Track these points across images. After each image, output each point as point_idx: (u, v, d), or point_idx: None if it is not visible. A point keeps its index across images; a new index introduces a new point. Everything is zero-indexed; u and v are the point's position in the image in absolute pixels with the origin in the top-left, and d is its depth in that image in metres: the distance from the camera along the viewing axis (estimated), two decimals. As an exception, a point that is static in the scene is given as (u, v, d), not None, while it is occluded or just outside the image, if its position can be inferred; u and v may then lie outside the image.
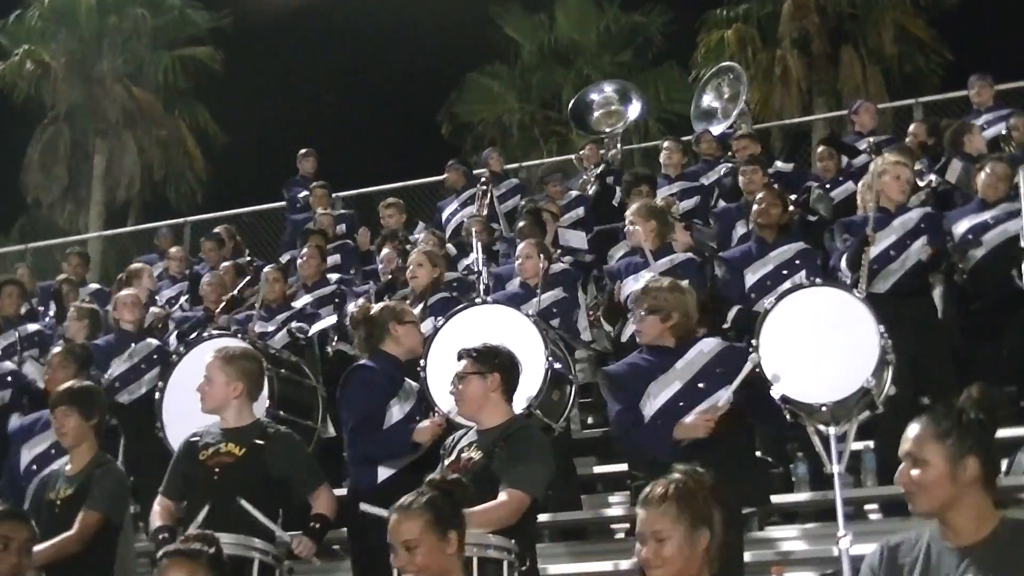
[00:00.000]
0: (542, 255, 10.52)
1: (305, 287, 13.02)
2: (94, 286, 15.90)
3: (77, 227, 29.38)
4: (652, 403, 7.13)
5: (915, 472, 4.05)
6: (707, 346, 7.33)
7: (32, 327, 13.20)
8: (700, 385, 7.13)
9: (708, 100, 16.36)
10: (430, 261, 10.41)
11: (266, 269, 12.79)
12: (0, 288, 13.41)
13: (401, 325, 8.13)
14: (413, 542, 4.99)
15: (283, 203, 18.40)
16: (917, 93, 19.53)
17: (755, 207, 10.29)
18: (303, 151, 17.85)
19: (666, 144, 15.05)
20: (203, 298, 13.10)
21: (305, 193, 16.94)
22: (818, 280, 7.89)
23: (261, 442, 6.97)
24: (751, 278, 9.89)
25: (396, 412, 7.83)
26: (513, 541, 6.06)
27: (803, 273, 9.66)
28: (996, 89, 14.54)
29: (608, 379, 7.59)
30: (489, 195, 15.38)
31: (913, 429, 4.11)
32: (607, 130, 16.77)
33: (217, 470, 6.92)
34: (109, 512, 7.53)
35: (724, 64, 17.85)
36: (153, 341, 11.58)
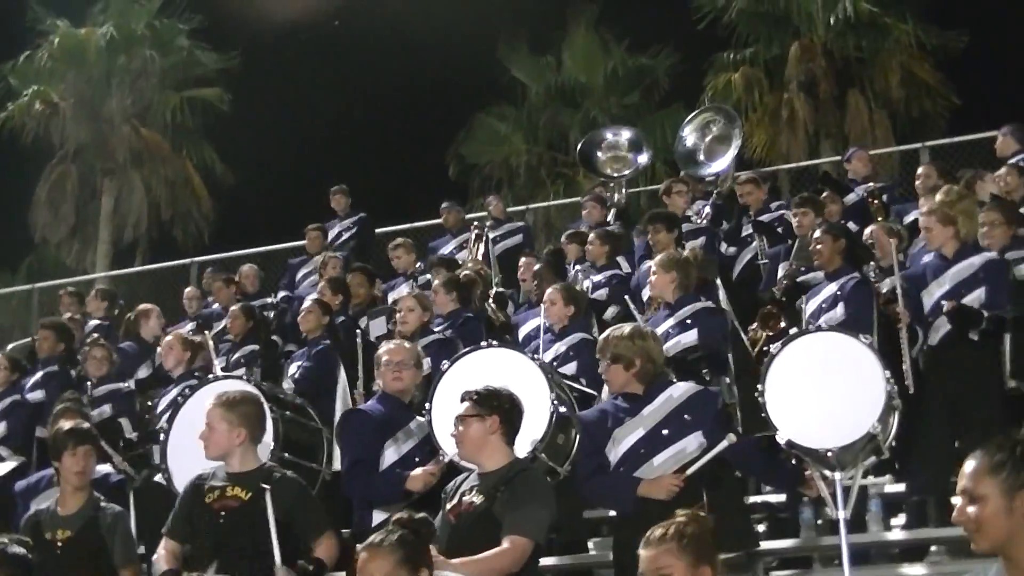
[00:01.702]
0: (567, 301, 10.53)
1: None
2: (95, 322, 15.89)
3: (84, 266, 29.43)
4: (616, 450, 7.21)
5: (971, 509, 3.89)
6: (677, 391, 7.37)
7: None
8: (664, 432, 7.16)
9: (692, 139, 15.95)
10: (420, 305, 10.37)
11: (307, 302, 12.67)
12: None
13: (377, 368, 8.23)
14: None
15: (289, 244, 18.42)
16: (924, 137, 19.53)
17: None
18: (333, 188, 17.75)
19: (677, 187, 14.86)
20: None
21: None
22: (823, 325, 7.87)
23: (267, 487, 6.95)
24: (806, 312, 9.93)
25: (391, 454, 7.88)
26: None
27: (840, 307, 9.64)
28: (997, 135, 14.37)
29: (579, 425, 7.66)
30: (485, 240, 15.37)
31: (968, 465, 3.95)
32: (611, 173, 16.68)
33: (223, 513, 6.91)
34: (136, 556, 7.71)
35: (723, 107, 17.75)
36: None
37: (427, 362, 9.20)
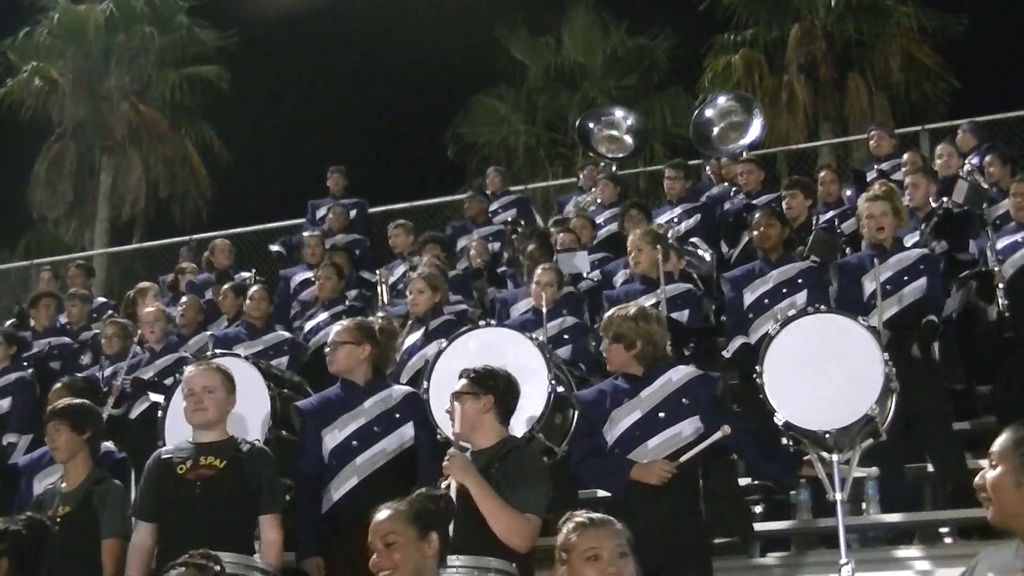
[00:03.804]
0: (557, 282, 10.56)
1: (323, 305, 13.13)
2: (100, 300, 15.88)
3: (82, 244, 29.40)
4: (613, 431, 7.21)
5: (990, 474, 4.03)
6: (677, 374, 7.34)
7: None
8: (660, 415, 7.16)
9: (712, 121, 16.33)
10: (430, 285, 10.34)
11: (253, 288, 12.76)
12: (38, 300, 14.12)
13: None
14: (391, 537, 4.98)
15: (287, 222, 18.39)
16: (923, 120, 19.51)
17: (755, 232, 10.31)
18: (331, 168, 17.63)
19: (669, 172, 14.82)
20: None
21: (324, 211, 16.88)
22: (822, 307, 7.85)
23: (240, 456, 7.00)
24: (749, 297, 9.94)
25: (328, 441, 7.67)
26: (515, 564, 6.04)
27: (804, 293, 9.74)
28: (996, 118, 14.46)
29: (577, 403, 7.66)
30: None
31: (1000, 437, 4.08)
32: (603, 151, 16.74)
33: (199, 483, 6.91)
34: (126, 531, 7.59)
35: (745, 95, 17.96)
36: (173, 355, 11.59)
37: (434, 345, 9.03)
